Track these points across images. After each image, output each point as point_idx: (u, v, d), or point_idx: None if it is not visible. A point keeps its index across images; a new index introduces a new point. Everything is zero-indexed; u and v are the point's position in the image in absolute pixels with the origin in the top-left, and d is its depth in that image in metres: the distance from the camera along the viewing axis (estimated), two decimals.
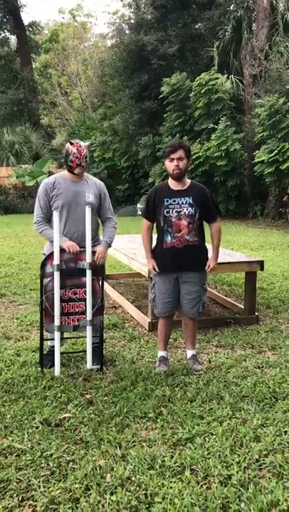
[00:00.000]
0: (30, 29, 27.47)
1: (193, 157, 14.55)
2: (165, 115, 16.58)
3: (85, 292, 3.49)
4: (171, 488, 2.17)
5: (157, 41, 17.13)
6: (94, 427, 2.72)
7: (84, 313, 3.51)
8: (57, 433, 2.66)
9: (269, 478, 2.26)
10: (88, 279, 3.47)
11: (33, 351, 3.89)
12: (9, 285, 6.19)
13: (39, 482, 2.23)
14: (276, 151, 12.63)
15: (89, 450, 2.50)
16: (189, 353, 3.68)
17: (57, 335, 3.44)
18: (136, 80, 17.70)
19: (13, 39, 27.46)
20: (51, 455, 2.44)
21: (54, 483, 2.23)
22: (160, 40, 17.20)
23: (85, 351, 3.85)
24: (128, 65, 18.16)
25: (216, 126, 14.44)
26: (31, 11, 59.98)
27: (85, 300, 3.50)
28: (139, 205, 17.83)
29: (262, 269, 4.77)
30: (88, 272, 3.47)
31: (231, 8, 18.13)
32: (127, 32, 19.87)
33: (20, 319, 4.81)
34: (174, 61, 17.52)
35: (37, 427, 2.72)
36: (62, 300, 3.44)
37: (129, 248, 5.59)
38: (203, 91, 14.75)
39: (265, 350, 3.99)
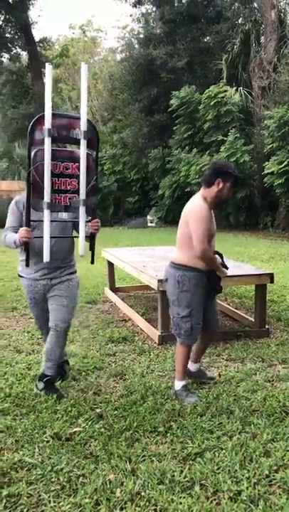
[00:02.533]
0: (41, 45, 27.91)
1: (203, 169, 14.63)
2: (174, 128, 16.72)
3: (78, 168, 3.06)
4: (180, 503, 2.17)
5: (166, 55, 17.34)
6: (104, 442, 2.73)
7: (76, 191, 3.09)
8: (67, 447, 2.68)
9: (279, 494, 2.25)
10: (82, 151, 3.04)
11: None
12: (20, 298, 6.25)
13: (49, 497, 2.25)
14: (286, 163, 12.65)
15: (99, 464, 2.52)
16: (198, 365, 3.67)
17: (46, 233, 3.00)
18: (145, 93, 17.90)
19: (24, 55, 27.94)
20: (61, 469, 2.46)
21: (64, 498, 2.24)
22: (169, 54, 17.41)
23: (95, 367, 3.89)
24: (137, 78, 18.38)
25: (225, 138, 14.52)
26: (42, 28, 61.09)
27: (77, 177, 3.08)
28: (149, 217, 17.92)
29: (272, 281, 4.77)
30: (83, 142, 3.04)
31: (239, 21, 18.31)
32: (136, 46, 20.14)
33: (32, 333, 4.85)
34: (182, 74, 17.70)
35: (47, 441, 2.73)
36: (53, 174, 3.01)
37: (139, 261, 5.62)
38: (212, 103, 14.87)
39: (276, 364, 3.98)
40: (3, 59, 27.06)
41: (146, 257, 5.96)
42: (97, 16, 64.58)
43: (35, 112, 24.78)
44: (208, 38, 18.55)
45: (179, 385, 3.37)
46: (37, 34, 34.61)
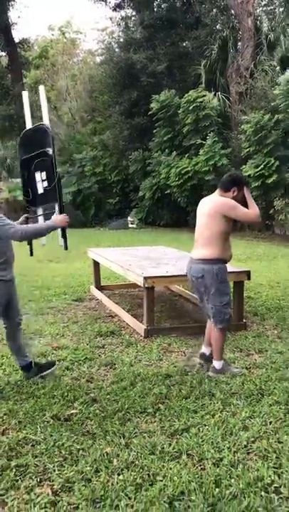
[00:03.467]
0: (21, 46, 27.94)
1: (182, 172, 15.02)
2: (154, 131, 17.07)
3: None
4: (170, 469, 2.48)
5: (146, 59, 17.69)
6: (99, 421, 3.02)
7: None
8: (66, 426, 2.96)
9: (256, 460, 2.58)
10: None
11: (38, 357, 4.18)
12: None
13: (54, 466, 2.53)
14: (262, 166, 13.12)
15: (96, 440, 2.80)
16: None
17: None
18: (126, 96, 18.21)
19: (3, 56, 27.94)
20: (63, 444, 2.74)
21: (67, 467, 2.52)
22: (149, 58, 17.77)
23: (87, 358, 4.18)
24: (118, 82, 18.68)
25: (203, 142, 14.93)
26: (21, 28, 60.85)
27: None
28: (129, 218, 18.22)
29: (249, 278, 5.13)
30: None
31: (217, 28, 18.79)
32: (116, 50, 20.44)
33: (23, 328, 5.08)
34: (162, 78, 18.07)
35: (48, 422, 3.01)
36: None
37: (124, 260, 5.92)
38: (191, 108, 15.27)
39: (253, 353, 4.33)
40: None
41: (130, 257, 6.26)
42: (76, 17, 64.71)
43: (15, 113, 24.87)
44: (187, 43, 18.98)
45: (220, 363, 3.81)
46: (16, 35, 34.62)
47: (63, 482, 2.39)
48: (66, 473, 2.46)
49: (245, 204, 3.80)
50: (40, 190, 3.72)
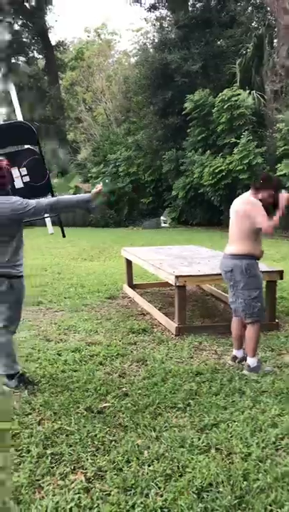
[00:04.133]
0: (58, 49, 28.47)
1: (216, 171, 14.98)
2: (188, 130, 17.07)
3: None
4: (199, 462, 2.55)
5: (181, 59, 17.71)
6: (131, 415, 3.12)
7: None
8: (99, 418, 3.07)
9: (284, 456, 2.62)
10: None
11: (72, 352, 4.32)
12: (45, 294, 6.67)
13: (87, 456, 2.64)
14: None
15: (127, 432, 2.90)
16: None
17: None
18: (160, 96, 18.29)
19: (40, 58, 28.53)
20: (95, 435, 2.85)
21: (100, 457, 2.63)
22: (183, 58, 17.78)
23: (119, 354, 4.29)
24: (152, 82, 18.77)
25: (238, 141, 14.84)
26: (58, 31, 61.87)
27: None
28: (162, 218, 18.28)
29: (281, 278, 5.12)
30: None
31: (253, 25, 18.61)
32: (151, 50, 20.53)
33: (58, 324, 5.26)
34: (197, 78, 18.06)
35: (82, 414, 3.13)
36: None
37: (156, 259, 6.00)
38: (225, 107, 15.20)
39: (284, 353, 4.33)
40: (19, 62, 27.71)
41: (162, 256, 6.34)
42: (111, 19, 65.30)
43: (52, 115, 25.38)
44: (221, 42, 18.87)
45: (254, 360, 3.87)
46: (53, 38, 35.25)
47: (96, 470, 2.50)
48: (99, 462, 2.57)
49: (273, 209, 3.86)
50: (20, 185, 3.79)
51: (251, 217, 3.78)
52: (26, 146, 3.81)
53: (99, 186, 3.45)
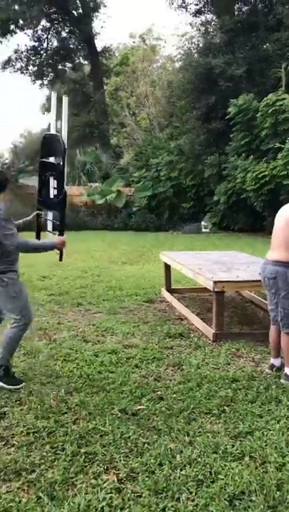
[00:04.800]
0: (103, 54, 28.90)
1: (259, 176, 14.77)
2: (231, 135, 16.91)
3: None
4: (232, 469, 2.53)
5: (225, 63, 17.58)
6: (165, 418, 3.13)
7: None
8: (133, 421, 3.10)
9: None
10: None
11: (109, 353, 4.38)
12: (84, 295, 6.78)
13: (120, 457, 2.67)
14: None
15: (161, 436, 2.91)
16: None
17: None
18: (203, 101, 18.22)
19: (85, 64, 29.07)
20: (129, 437, 2.88)
21: (132, 458, 2.66)
22: (228, 63, 17.65)
23: (155, 357, 4.30)
24: (196, 87, 18.72)
25: (282, 146, 14.57)
26: (104, 37, 62.91)
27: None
28: (203, 223, 18.17)
29: None
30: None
31: None
32: (195, 55, 20.52)
33: (96, 325, 5.33)
34: (241, 82, 17.87)
35: (116, 415, 3.17)
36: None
37: (195, 264, 5.98)
38: (270, 111, 14.96)
39: None
40: (66, 68, 28.34)
41: (201, 261, 6.32)
42: (156, 24, 65.70)
43: (96, 119, 25.79)
44: (267, 45, 18.61)
45: None
46: (99, 44, 35.88)
47: (128, 472, 2.52)
48: (131, 464, 2.59)
49: None
50: (52, 196, 3.86)
51: None
52: (58, 161, 3.84)
53: (63, 243, 3.61)
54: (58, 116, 3.82)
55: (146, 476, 2.47)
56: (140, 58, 33.29)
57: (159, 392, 3.54)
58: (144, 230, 18.17)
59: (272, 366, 4.04)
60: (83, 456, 2.67)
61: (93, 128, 25.56)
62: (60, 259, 3.83)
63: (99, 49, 27.97)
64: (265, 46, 18.74)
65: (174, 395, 3.48)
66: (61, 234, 3.72)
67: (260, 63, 17.89)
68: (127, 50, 34.81)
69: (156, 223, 18.80)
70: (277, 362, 4.02)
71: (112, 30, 49.26)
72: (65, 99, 3.74)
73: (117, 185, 19.55)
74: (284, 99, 14.99)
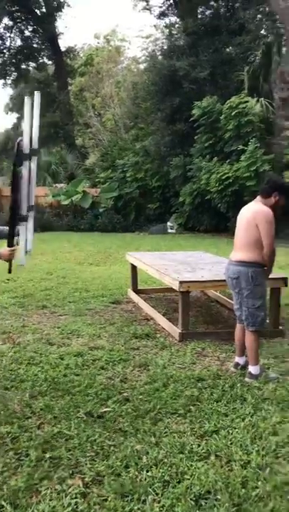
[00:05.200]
0: (67, 54, 28.65)
1: (223, 177, 14.97)
2: (196, 137, 17.07)
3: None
4: (198, 468, 2.54)
5: (189, 66, 17.74)
6: (131, 420, 3.11)
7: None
8: (99, 423, 3.06)
9: (284, 464, 2.59)
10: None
11: (75, 356, 4.32)
12: (49, 298, 6.68)
13: (86, 460, 2.64)
14: None
15: (127, 438, 2.89)
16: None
17: None
18: (168, 103, 18.32)
19: (49, 64, 28.73)
20: (95, 440, 2.84)
21: (98, 462, 2.62)
22: (192, 65, 17.81)
23: (121, 359, 4.28)
24: (160, 88, 18.81)
25: (245, 148, 14.82)
26: (68, 37, 62.39)
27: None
28: (169, 224, 18.27)
29: (286, 285, 5.10)
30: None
31: (262, 33, 18.64)
32: (159, 57, 20.62)
33: (62, 328, 5.26)
34: (205, 85, 18.08)
35: (82, 418, 3.13)
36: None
37: (160, 264, 6.00)
38: (233, 114, 15.19)
39: (288, 360, 4.30)
40: (29, 68, 27.94)
41: (167, 261, 6.34)
42: (121, 25, 65.67)
43: (61, 120, 25.53)
44: (230, 49, 18.89)
45: (257, 368, 3.83)
46: (63, 44, 35.52)
47: (94, 475, 2.49)
48: (97, 467, 2.56)
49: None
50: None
51: (261, 231, 3.76)
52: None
53: (10, 255, 3.36)
54: (29, 115, 3.50)
55: (112, 479, 2.45)
56: (105, 59, 33.15)
57: (125, 394, 3.52)
58: (111, 230, 18.11)
59: (237, 365, 4.08)
60: (48, 462, 2.62)
61: (58, 128, 25.28)
62: (9, 270, 3.63)
63: (63, 49, 27.73)
64: (228, 50, 19.02)
65: (140, 396, 3.47)
66: (9, 245, 3.36)
67: (223, 66, 18.14)
68: (91, 50, 34.59)
69: (122, 224, 18.77)
70: (241, 360, 4.07)
71: (76, 30, 49.00)
72: (37, 95, 3.45)
73: (82, 186, 19.41)
74: (247, 101, 15.26)
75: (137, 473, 2.50)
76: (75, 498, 2.32)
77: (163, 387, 3.62)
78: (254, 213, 3.85)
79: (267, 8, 19.12)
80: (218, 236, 15.96)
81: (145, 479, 2.45)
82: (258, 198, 3.96)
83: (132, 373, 3.97)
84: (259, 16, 18.94)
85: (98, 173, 20.93)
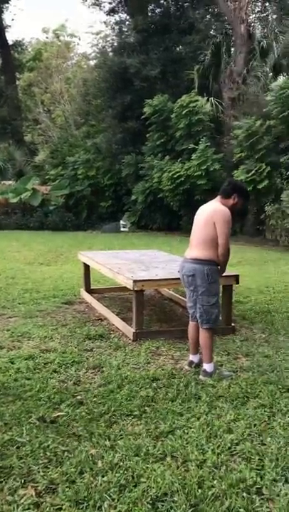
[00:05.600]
0: (15, 48, 27.93)
1: (175, 176, 15.08)
2: (147, 135, 17.12)
3: None
4: (154, 470, 2.50)
5: (140, 63, 17.75)
6: (85, 423, 3.04)
7: None
8: (52, 428, 2.97)
9: (239, 461, 2.61)
10: None
11: (26, 359, 4.19)
12: None
13: (38, 468, 2.54)
14: (253, 172, 13.21)
15: (81, 442, 2.82)
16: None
17: None
18: (119, 100, 18.26)
19: None
20: (48, 446, 2.75)
21: (52, 469, 2.54)
22: (142, 63, 17.83)
23: (74, 361, 4.19)
24: (111, 85, 18.73)
25: (196, 147, 15.00)
26: (15, 30, 60.85)
27: None
28: (122, 222, 18.22)
29: (237, 282, 5.17)
30: None
31: (211, 33, 18.91)
32: (110, 54, 20.50)
33: (11, 331, 5.09)
34: (155, 83, 18.15)
35: (34, 424, 3.02)
36: None
37: (114, 263, 5.93)
38: (184, 112, 15.34)
39: (240, 357, 4.36)
40: None
41: (120, 260, 6.28)
42: (71, 20, 64.77)
43: (8, 115, 24.86)
44: (180, 48, 19.06)
45: (211, 365, 3.85)
46: (10, 37, 34.52)
47: (47, 483, 2.41)
48: (50, 475, 2.48)
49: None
50: None
51: (218, 230, 3.79)
52: None
53: None
54: None
55: (67, 487, 2.37)
56: (54, 54, 32.61)
57: (78, 397, 3.44)
58: (62, 229, 17.83)
59: (191, 363, 4.09)
60: None
61: (5, 124, 24.60)
62: None
63: (10, 42, 27.02)
64: (178, 48, 19.18)
65: (95, 399, 3.40)
66: None
67: (173, 65, 18.29)
68: (40, 45, 33.92)
69: (74, 222, 18.53)
70: (196, 358, 4.09)
71: (24, 23, 47.86)
72: None
73: (32, 183, 19.01)
74: (197, 100, 15.45)
75: (92, 478, 2.44)
76: (28, 508, 2.23)
77: (117, 389, 3.57)
78: (213, 212, 3.88)
79: (216, 9, 19.42)
80: (171, 234, 16.09)
81: (101, 484, 2.39)
82: (218, 197, 4.00)
83: (85, 375, 3.89)
84: (208, 16, 19.18)
85: (48, 170, 20.56)
